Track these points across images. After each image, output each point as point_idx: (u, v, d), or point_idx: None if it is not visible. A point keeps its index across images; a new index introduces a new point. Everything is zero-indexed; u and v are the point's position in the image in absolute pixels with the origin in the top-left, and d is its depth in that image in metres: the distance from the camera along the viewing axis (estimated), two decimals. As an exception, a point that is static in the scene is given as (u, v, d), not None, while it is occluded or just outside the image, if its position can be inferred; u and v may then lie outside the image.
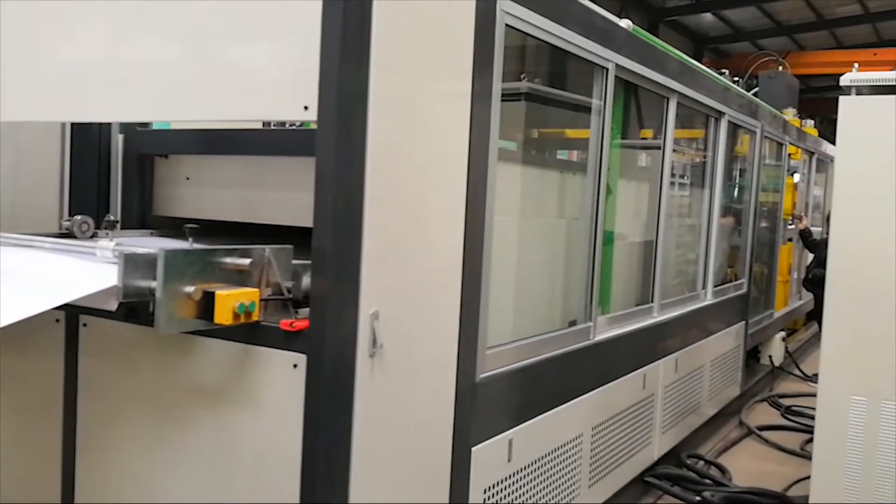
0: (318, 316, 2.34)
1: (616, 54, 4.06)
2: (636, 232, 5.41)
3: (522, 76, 4.59)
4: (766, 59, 10.67)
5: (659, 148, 5.30)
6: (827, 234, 9.19)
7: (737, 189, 7.57)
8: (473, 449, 3.11)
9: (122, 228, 3.55)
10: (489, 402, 3.20)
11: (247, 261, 2.35)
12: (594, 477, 4.27)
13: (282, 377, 2.41)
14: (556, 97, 4.84)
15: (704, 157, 6.39)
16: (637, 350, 4.82)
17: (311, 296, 2.35)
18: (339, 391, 2.39)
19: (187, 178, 3.66)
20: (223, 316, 2.22)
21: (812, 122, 11.16)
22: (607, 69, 4.04)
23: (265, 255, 2.41)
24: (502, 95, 4.63)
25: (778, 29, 17.69)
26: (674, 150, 5.41)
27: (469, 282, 2.97)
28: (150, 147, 3.68)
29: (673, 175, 5.65)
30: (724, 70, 9.60)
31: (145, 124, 3.65)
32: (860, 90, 4.51)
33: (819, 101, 19.65)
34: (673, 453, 5.63)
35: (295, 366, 2.38)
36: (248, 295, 2.28)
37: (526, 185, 4.11)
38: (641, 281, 5.31)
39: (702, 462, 5.92)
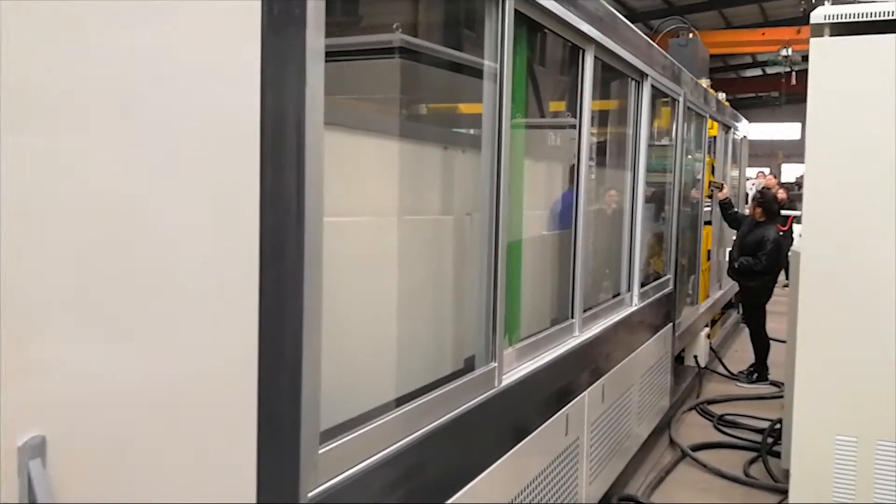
0: None
1: (515, -24, 2.82)
2: (546, 226, 4.22)
3: (396, 27, 3.42)
4: (676, 27, 9.76)
5: (574, 126, 4.10)
6: (749, 214, 8.27)
7: (657, 170, 6.50)
8: None
9: None
10: (329, 532, 1.92)
11: None
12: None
13: None
14: (442, 55, 3.59)
15: (624, 131, 5.26)
16: (557, 386, 3.62)
17: None
18: None
19: None
20: None
21: (724, 95, 10.30)
22: (504, -3, 2.79)
23: None
24: (369, 51, 3.46)
25: (669, 10, 17.46)
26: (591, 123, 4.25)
27: (274, 336, 1.68)
28: None
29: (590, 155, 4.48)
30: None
31: None
32: (833, 29, 3.43)
33: (713, 83, 19.39)
34: (604, 501, 4.51)
35: None
36: None
37: (393, 167, 2.84)
38: (558, 289, 4.12)
39: (635, 504, 4.83)
